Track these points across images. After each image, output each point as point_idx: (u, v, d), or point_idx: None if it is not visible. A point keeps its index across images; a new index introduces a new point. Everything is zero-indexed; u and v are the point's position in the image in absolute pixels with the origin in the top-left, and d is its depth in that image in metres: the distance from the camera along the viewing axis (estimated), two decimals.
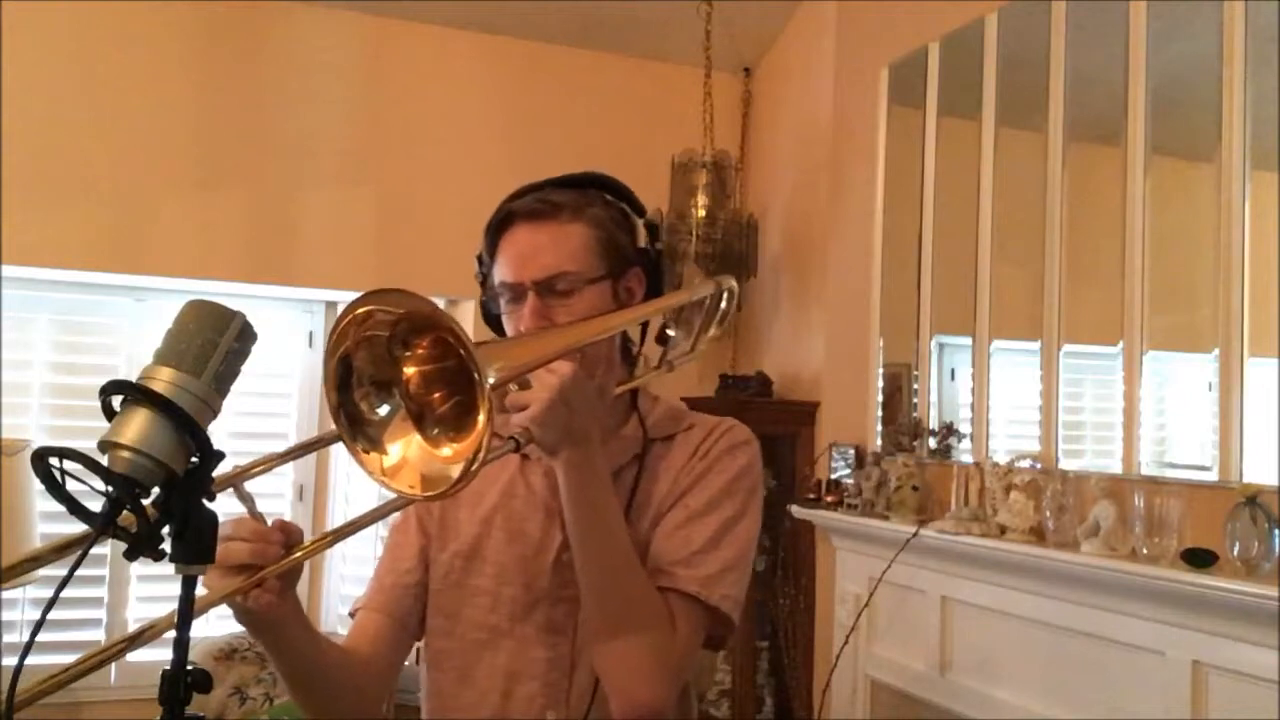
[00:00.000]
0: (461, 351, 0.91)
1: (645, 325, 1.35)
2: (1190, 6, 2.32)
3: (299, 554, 1.03)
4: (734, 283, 1.48)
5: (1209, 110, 2.21)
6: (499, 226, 1.27)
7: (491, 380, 0.91)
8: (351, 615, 1.32)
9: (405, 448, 0.97)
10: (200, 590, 0.89)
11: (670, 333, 1.35)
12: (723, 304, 1.47)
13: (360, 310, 0.93)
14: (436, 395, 0.98)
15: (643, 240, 1.30)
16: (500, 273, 1.25)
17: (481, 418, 0.91)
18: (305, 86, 3.52)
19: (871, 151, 3.34)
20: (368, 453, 0.96)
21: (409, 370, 0.97)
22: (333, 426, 0.97)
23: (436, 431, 0.97)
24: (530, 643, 1.24)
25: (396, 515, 1.25)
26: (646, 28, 3.78)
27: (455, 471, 0.93)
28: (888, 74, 3.29)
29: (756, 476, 1.30)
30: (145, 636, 0.93)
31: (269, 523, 1.04)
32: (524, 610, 1.24)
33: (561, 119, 3.80)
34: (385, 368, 0.96)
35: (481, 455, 0.91)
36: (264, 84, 3.48)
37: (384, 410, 0.97)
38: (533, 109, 3.78)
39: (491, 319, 1.30)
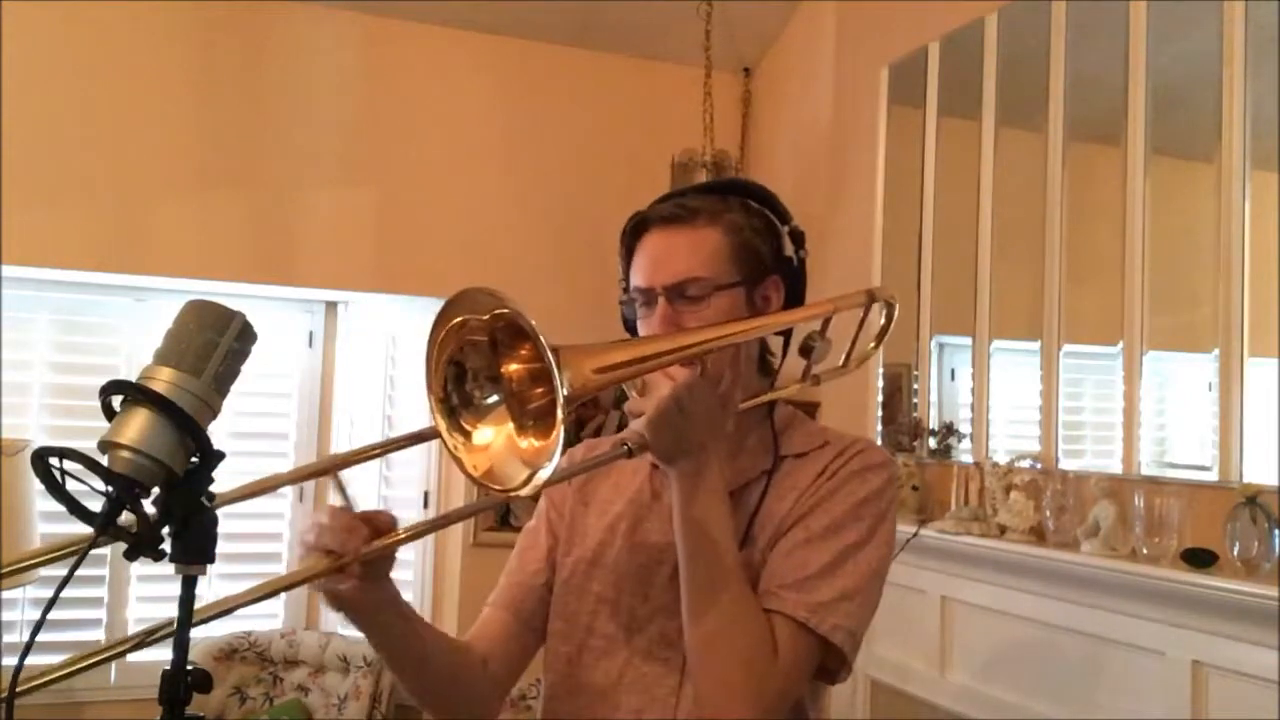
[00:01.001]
0: (544, 357, 0.91)
1: (788, 336, 1.31)
2: (1190, 6, 2.32)
3: (381, 544, 1.06)
4: (893, 295, 1.41)
5: (1209, 110, 2.21)
6: (635, 231, 1.26)
7: (566, 391, 0.91)
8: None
9: (495, 436, 0.99)
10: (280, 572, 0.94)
11: (813, 344, 1.28)
12: (882, 319, 1.41)
13: (458, 317, 0.96)
14: (539, 390, 0.99)
15: (788, 248, 1.27)
16: (635, 278, 1.24)
17: (558, 415, 0.91)
18: (305, 86, 3.52)
19: (871, 151, 3.34)
20: (455, 436, 0.99)
21: (514, 367, 0.99)
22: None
23: (531, 423, 0.99)
24: (643, 654, 1.22)
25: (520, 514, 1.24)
26: (646, 28, 3.78)
27: (522, 475, 0.95)
28: (888, 74, 3.29)
29: (888, 502, 1.23)
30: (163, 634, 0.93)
31: (358, 511, 1.08)
32: (641, 621, 1.23)
33: (561, 119, 3.80)
34: (493, 363, 0.99)
35: (553, 462, 0.92)
36: (264, 84, 3.48)
37: (492, 399, 1.00)
38: (533, 109, 3.78)
39: (629, 325, 1.28)
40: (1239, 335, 2.13)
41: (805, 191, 3.68)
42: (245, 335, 0.90)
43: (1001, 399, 2.79)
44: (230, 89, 3.44)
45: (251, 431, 3.66)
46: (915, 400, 3.07)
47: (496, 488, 0.96)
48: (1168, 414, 2.35)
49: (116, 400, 0.85)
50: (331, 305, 3.84)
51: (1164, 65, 2.37)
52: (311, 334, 3.82)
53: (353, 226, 3.57)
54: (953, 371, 2.99)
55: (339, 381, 3.82)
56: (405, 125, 3.64)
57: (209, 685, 0.86)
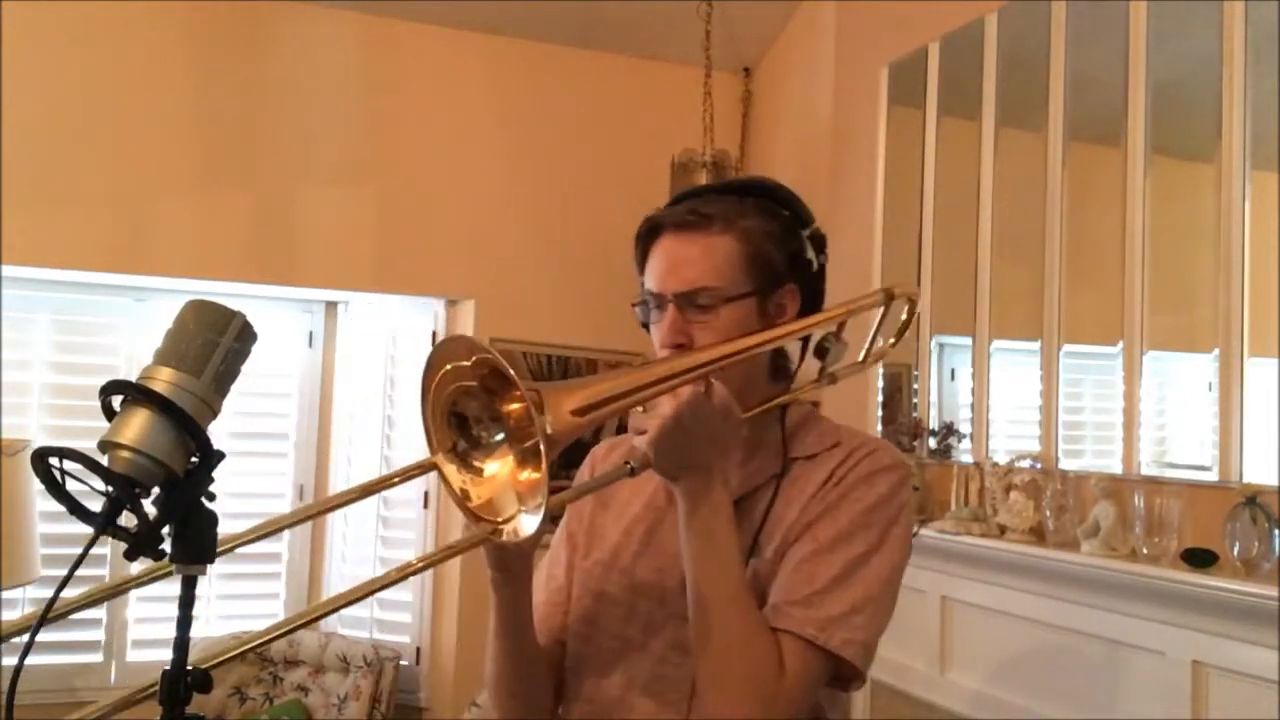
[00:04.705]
0: (523, 400, 0.95)
1: (806, 338, 1.29)
2: (1190, 6, 2.32)
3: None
4: (915, 289, 1.43)
5: (1209, 110, 2.21)
6: (649, 235, 1.24)
7: (550, 430, 0.94)
8: None
9: (501, 468, 1.02)
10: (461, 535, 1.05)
11: (827, 346, 1.28)
12: (904, 315, 1.41)
13: (445, 367, 0.99)
14: (531, 427, 0.99)
15: (808, 252, 1.26)
16: (647, 281, 1.23)
17: (543, 462, 0.94)
18: (305, 86, 3.52)
19: (871, 151, 3.34)
20: (464, 474, 1.03)
21: (512, 406, 1.00)
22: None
23: (524, 457, 1.00)
24: (657, 659, 1.21)
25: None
26: (646, 28, 3.78)
27: (512, 508, 0.99)
28: (888, 74, 3.29)
29: (899, 506, 1.20)
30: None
31: None
32: (656, 625, 1.22)
33: (561, 119, 3.80)
34: (492, 405, 1.01)
35: (541, 507, 0.95)
36: (264, 84, 3.48)
37: (500, 436, 1.03)
38: (533, 109, 3.78)
39: (646, 326, 1.27)
40: (1239, 335, 2.13)
41: (805, 191, 3.64)
42: (245, 335, 0.90)
43: (1001, 399, 2.79)
44: (230, 88, 3.44)
45: (251, 431, 3.66)
46: (915, 400, 3.07)
47: (490, 519, 1.01)
48: (1168, 414, 2.35)
49: (116, 400, 0.85)
50: (331, 305, 3.84)
51: (1164, 65, 2.37)
52: (311, 334, 3.82)
53: (353, 226, 3.57)
54: (953, 371, 2.99)
55: (339, 381, 3.82)
56: (405, 125, 3.64)
57: (209, 685, 0.86)
